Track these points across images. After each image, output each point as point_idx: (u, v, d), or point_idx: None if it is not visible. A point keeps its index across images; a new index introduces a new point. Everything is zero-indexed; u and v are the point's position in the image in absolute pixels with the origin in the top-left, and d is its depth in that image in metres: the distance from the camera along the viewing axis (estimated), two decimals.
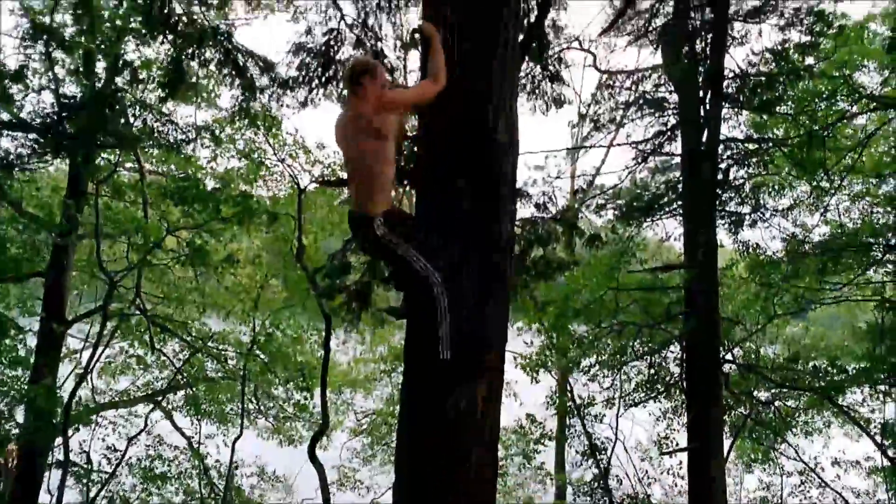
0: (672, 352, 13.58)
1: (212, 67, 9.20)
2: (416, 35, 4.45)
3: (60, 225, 12.29)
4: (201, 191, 11.32)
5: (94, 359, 13.65)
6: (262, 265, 17.04)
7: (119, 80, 11.30)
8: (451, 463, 4.02)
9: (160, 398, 16.48)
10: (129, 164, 14.27)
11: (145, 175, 13.80)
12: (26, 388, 12.28)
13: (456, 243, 4.18)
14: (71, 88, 11.82)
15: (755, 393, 12.94)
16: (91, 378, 14.96)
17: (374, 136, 3.98)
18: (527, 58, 9.69)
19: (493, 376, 4.25)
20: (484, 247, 4.23)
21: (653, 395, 13.75)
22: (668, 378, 13.52)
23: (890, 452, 12.56)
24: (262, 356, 15.82)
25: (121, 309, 14.10)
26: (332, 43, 8.28)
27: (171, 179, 13.43)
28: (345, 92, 4.45)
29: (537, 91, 10.49)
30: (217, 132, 12.76)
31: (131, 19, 9.78)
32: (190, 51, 8.53)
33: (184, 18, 8.47)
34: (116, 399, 16.64)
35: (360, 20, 8.38)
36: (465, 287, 4.12)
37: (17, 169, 11.53)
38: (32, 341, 13.17)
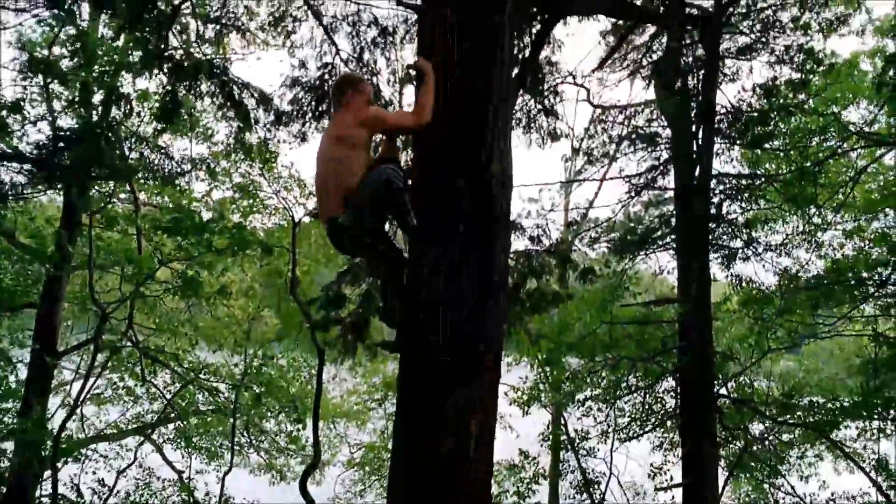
0: (666, 386, 13.54)
1: (207, 100, 9.25)
2: (411, 71, 4.51)
3: (53, 256, 12.27)
4: (195, 223, 11.31)
5: (85, 391, 13.53)
6: (255, 297, 17.01)
7: (115, 112, 11.35)
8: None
9: (150, 431, 16.32)
10: (123, 195, 14.30)
11: (140, 206, 13.82)
12: (16, 420, 12.15)
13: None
14: (67, 120, 11.89)
15: (749, 427, 12.88)
16: (81, 410, 14.82)
17: (343, 145, 4.09)
18: (522, 92, 9.83)
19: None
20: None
21: (647, 429, 13.67)
22: (662, 412, 13.46)
23: (885, 486, 12.49)
24: (254, 388, 15.70)
25: (112, 341, 14.02)
26: (326, 77, 8.36)
27: (165, 211, 13.43)
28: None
29: (533, 125, 10.60)
30: (212, 165, 12.80)
31: (129, 53, 9.85)
32: (185, 83, 8.57)
33: (180, 52, 8.54)
34: (106, 431, 16.47)
35: (355, 55, 8.49)
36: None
37: (11, 199, 11.54)
38: (23, 373, 13.06)
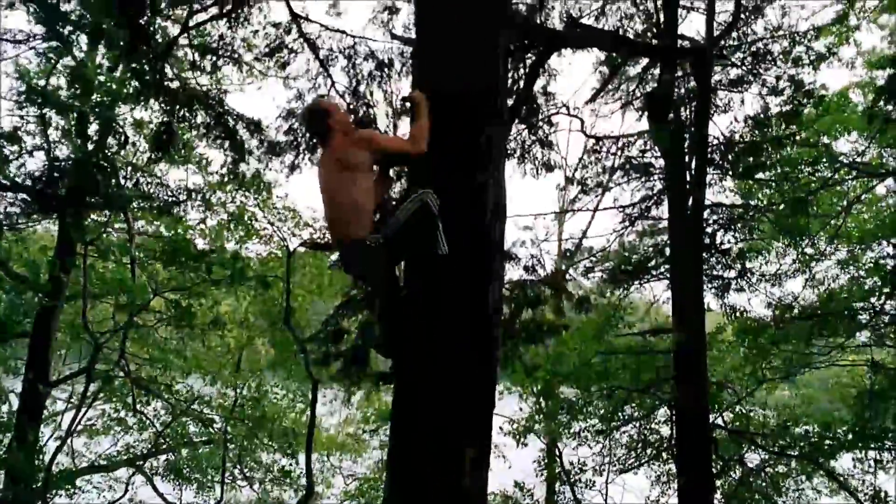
0: (662, 416, 13.49)
1: (202, 130, 9.30)
2: (406, 103, 4.55)
3: (46, 285, 12.23)
4: (190, 252, 11.31)
5: (76, 421, 13.42)
6: (249, 327, 16.93)
7: (111, 142, 11.39)
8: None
9: (142, 462, 16.15)
10: (118, 225, 14.28)
11: (134, 236, 13.80)
12: (7, 451, 12.03)
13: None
14: (63, 150, 11.91)
15: (746, 458, 12.82)
16: (72, 440, 14.67)
17: (346, 168, 4.10)
18: (517, 122, 9.92)
19: (482, 440, 4.24)
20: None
21: (643, 461, 13.59)
22: (658, 443, 13.39)
23: None
24: (246, 420, 15.59)
25: (105, 370, 13.93)
26: None
27: (160, 241, 13.43)
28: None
29: (527, 155, 10.67)
30: (207, 195, 12.82)
31: (126, 84, 9.91)
32: (181, 113, 8.62)
33: (176, 83, 8.60)
34: (98, 462, 16.28)
35: (350, 87, 8.56)
36: (455, 350, 4.14)
37: (6, 229, 11.53)
38: (15, 402, 12.96)
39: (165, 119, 8.83)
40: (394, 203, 4.12)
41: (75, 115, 11.29)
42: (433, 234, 4.13)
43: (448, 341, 4.17)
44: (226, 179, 11.18)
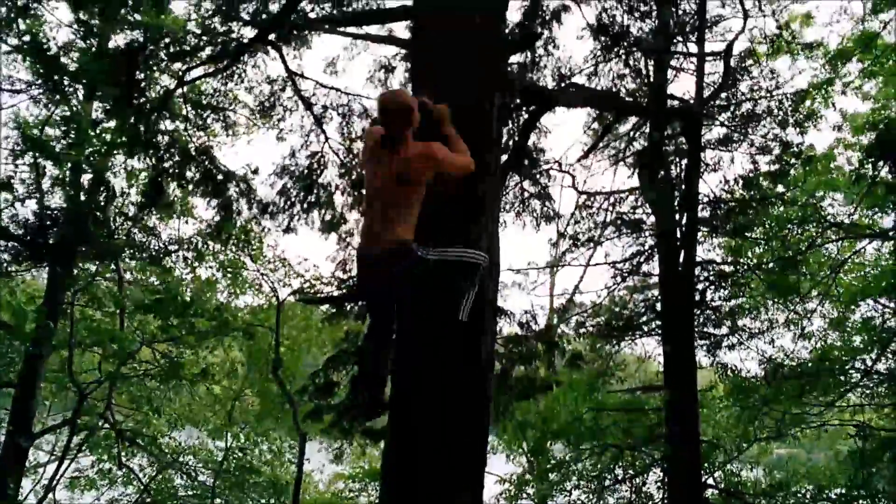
0: (654, 475, 13.33)
1: (192, 186, 9.32)
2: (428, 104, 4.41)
3: (33, 333, 12.11)
4: (179, 303, 11.25)
5: (60, 474, 13.17)
6: (237, 378, 16.77)
7: (102, 193, 11.42)
8: None
9: None
10: (108, 274, 14.23)
11: (124, 285, 13.74)
12: None
13: (439, 360, 4.18)
14: (55, 199, 11.94)
15: None
16: (54, 494, 14.36)
17: (415, 182, 3.87)
18: (510, 176, 10.00)
19: (474, 491, 4.22)
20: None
21: None
22: (649, 503, 13.21)
23: None
24: (233, 473, 15.33)
25: (90, 422, 13.72)
26: (315, 166, 8.47)
27: (149, 292, 13.35)
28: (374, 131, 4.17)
29: (524, 208, 10.73)
30: (198, 245, 12.81)
31: (120, 135, 9.98)
32: (170, 170, 8.67)
33: (167, 137, 8.66)
34: None
35: (345, 144, 8.63)
36: (447, 406, 4.13)
37: None
38: None
39: (155, 174, 8.85)
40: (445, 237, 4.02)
41: (69, 164, 11.35)
42: (466, 295, 4.07)
43: (440, 394, 4.15)
44: (214, 236, 11.15)
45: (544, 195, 10.49)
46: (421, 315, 4.30)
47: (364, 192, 4.05)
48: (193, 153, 8.80)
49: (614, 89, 11.01)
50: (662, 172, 11.72)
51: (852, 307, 13.38)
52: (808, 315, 12.83)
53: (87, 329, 13.43)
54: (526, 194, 10.51)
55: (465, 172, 4.05)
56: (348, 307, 9.30)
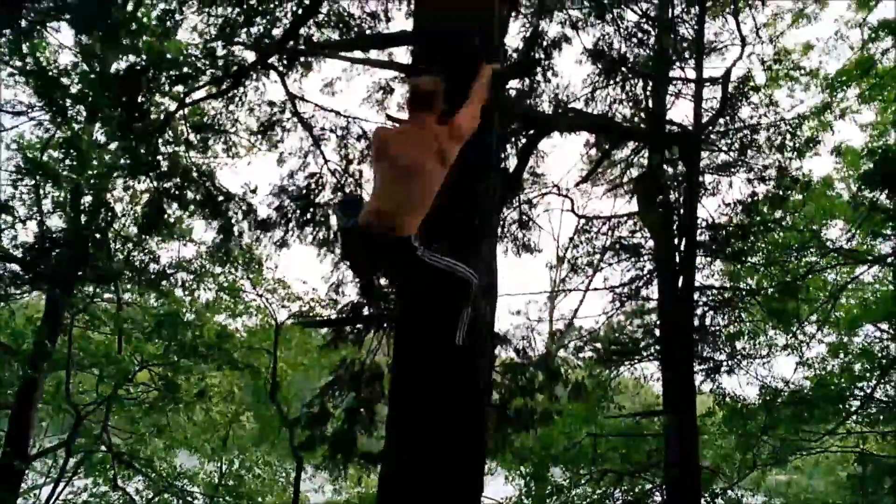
0: (653, 500, 13.23)
1: (192, 208, 9.35)
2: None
3: (32, 352, 12.08)
4: (177, 327, 11.24)
5: (55, 497, 13.07)
6: (235, 402, 16.68)
7: (102, 215, 11.44)
8: None
9: None
10: (107, 295, 14.21)
11: (123, 307, 13.72)
12: None
13: (436, 385, 4.17)
14: (56, 220, 11.97)
15: None
16: None
17: (440, 162, 3.84)
18: (508, 201, 10.03)
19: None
20: (467, 360, 4.23)
21: None
22: None
23: None
24: (230, 497, 15.22)
25: (85, 444, 13.65)
26: (313, 186, 8.52)
27: (148, 314, 13.34)
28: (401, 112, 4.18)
29: (519, 236, 10.76)
30: (197, 267, 12.80)
31: (121, 157, 10.03)
32: (171, 192, 8.70)
33: (168, 160, 8.70)
34: None
35: (342, 166, 8.68)
36: (444, 428, 4.11)
37: None
38: None
39: (155, 196, 8.88)
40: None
41: (70, 187, 11.38)
42: (460, 317, 4.04)
43: (436, 419, 4.13)
44: (214, 257, 11.15)
45: (525, 224, 10.51)
46: (418, 339, 4.30)
47: (374, 185, 3.98)
48: (194, 175, 8.83)
49: (612, 114, 11.07)
50: (661, 197, 11.75)
51: (853, 333, 13.36)
52: (808, 341, 12.81)
53: (84, 351, 13.40)
54: (524, 219, 10.55)
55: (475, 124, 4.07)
56: (346, 331, 9.27)
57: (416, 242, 3.80)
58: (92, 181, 11.02)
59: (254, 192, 9.57)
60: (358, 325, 9.07)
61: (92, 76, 9.92)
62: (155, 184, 8.95)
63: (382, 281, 7.30)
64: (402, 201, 3.79)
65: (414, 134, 3.91)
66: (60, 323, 12.80)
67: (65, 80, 10.29)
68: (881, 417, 12.80)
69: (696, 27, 10.86)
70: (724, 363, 12.04)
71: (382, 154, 3.96)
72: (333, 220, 8.36)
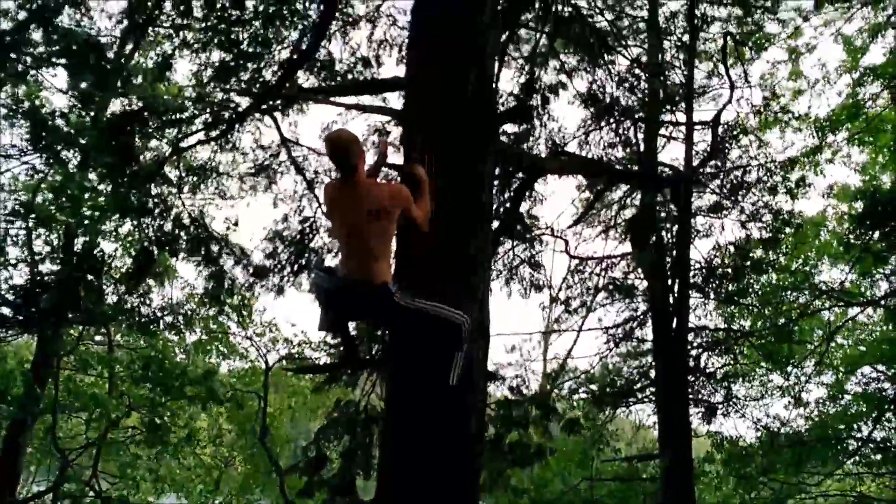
0: None
1: (184, 254, 9.32)
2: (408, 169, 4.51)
3: (22, 398, 11.92)
4: (166, 370, 11.13)
5: None
6: (224, 445, 16.48)
7: (94, 258, 11.38)
8: None
9: None
10: (98, 337, 14.09)
11: (114, 349, 13.60)
12: None
13: (428, 427, 4.14)
14: (46, 264, 11.89)
15: None
16: None
17: (384, 219, 3.93)
18: (502, 241, 10.02)
19: None
20: (459, 399, 4.21)
21: None
22: None
23: None
24: None
25: (73, 489, 13.41)
26: (306, 231, 8.52)
27: (137, 357, 13.20)
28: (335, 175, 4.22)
29: (514, 276, 10.72)
30: (187, 313, 12.70)
31: (111, 202, 10.02)
32: (162, 237, 8.68)
33: (159, 204, 8.69)
34: None
35: None
36: (437, 469, 4.08)
37: None
38: None
39: (145, 242, 8.86)
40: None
41: (61, 230, 11.34)
42: (452, 359, 4.06)
43: (429, 461, 4.10)
44: (205, 303, 11.09)
45: (535, 263, 10.49)
46: (410, 382, 4.26)
47: (336, 239, 4.09)
48: (186, 220, 8.82)
49: (605, 157, 11.13)
50: (654, 238, 11.78)
51: (850, 374, 13.31)
52: (804, 382, 12.76)
53: (73, 394, 13.24)
54: (517, 260, 10.52)
55: (423, 220, 4.15)
56: (340, 373, 9.18)
57: (394, 289, 3.95)
58: (83, 224, 10.99)
59: (235, 224, 9.57)
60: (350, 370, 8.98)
61: (86, 120, 9.96)
62: (145, 228, 8.92)
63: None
64: (363, 252, 3.96)
65: (347, 193, 4.02)
66: (51, 366, 12.67)
67: (59, 122, 10.33)
68: (879, 458, 12.70)
69: (685, 72, 10.99)
70: (720, 405, 11.96)
71: (331, 211, 4.16)
72: (309, 283, 8.38)
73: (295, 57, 8.24)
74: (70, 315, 10.81)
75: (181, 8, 8.09)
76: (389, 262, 4.05)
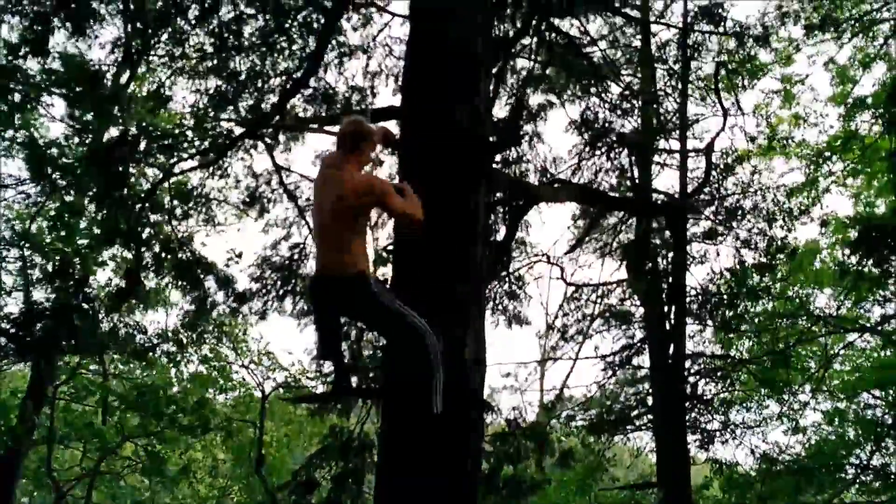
0: None
1: (171, 278, 9.32)
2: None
3: (17, 429, 11.84)
4: (161, 400, 11.08)
5: None
6: (220, 475, 16.34)
7: (89, 286, 11.38)
8: None
9: None
10: (93, 366, 14.03)
11: (109, 378, 13.53)
12: None
13: (424, 461, 4.12)
14: (41, 293, 11.89)
15: None
16: None
17: (350, 209, 3.85)
18: (497, 270, 10.02)
19: None
20: (456, 433, 4.20)
21: None
22: None
23: None
24: None
25: None
26: (296, 257, 8.55)
27: (131, 387, 13.14)
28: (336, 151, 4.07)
29: (507, 305, 10.71)
30: (181, 339, 12.66)
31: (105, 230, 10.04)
32: (149, 262, 8.69)
33: (148, 229, 8.71)
34: None
35: None
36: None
37: None
38: None
39: (132, 266, 8.87)
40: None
41: (56, 258, 11.34)
42: (431, 383, 3.96)
43: (425, 496, 4.07)
44: (189, 327, 11.08)
45: (515, 294, 10.48)
46: (404, 412, 4.24)
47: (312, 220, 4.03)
48: (174, 245, 8.83)
49: (598, 184, 11.17)
50: (649, 264, 11.77)
51: (848, 399, 13.26)
52: (802, 409, 12.70)
53: (68, 423, 13.16)
54: (512, 289, 10.52)
55: (410, 220, 4.06)
56: (332, 403, 9.16)
57: (373, 281, 3.88)
58: (79, 253, 11.00)
59: (239, 256, 9.59)
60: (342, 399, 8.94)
61: (82, 148, 10.02)
62: (134, 253, 8.93)
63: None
64: (333, 241, 3.91)
65: (329, 177, 3.98)
66: (44, 395, 12.60)
67: (54, 151, 10.40)
68: (877, 485, 12.61)
69: (679, 100, 11.07)
70: (718, 433, 11.89)
71: (314, 192, 4.12)
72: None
73: (289, 86, 8.30)
74: (64, 343, 10.77)
75: (177, 36, 8.16)
76: (364, 254, 3.93)
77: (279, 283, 8.62)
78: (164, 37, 8.60)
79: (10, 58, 9.44)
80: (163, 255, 8.66)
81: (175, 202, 9.34)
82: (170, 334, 12.09)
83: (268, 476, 13.08)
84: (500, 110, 8.93)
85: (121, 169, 7.88)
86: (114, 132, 10.67)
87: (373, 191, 3.87)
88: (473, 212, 4.82)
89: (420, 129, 5.03)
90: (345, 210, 3.83)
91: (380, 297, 3.89)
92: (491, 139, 5.90)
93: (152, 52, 9.49)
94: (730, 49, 10.93)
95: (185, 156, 8.69)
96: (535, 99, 9.54)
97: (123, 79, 11.26)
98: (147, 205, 8.53)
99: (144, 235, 8.69)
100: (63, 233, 10.73)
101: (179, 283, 9.12)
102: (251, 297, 8.71)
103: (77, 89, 9.43)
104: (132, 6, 8.19)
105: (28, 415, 11.91)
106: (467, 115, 5.00)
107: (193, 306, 9.26)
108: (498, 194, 7.87)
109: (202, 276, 8.97)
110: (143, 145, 8.37)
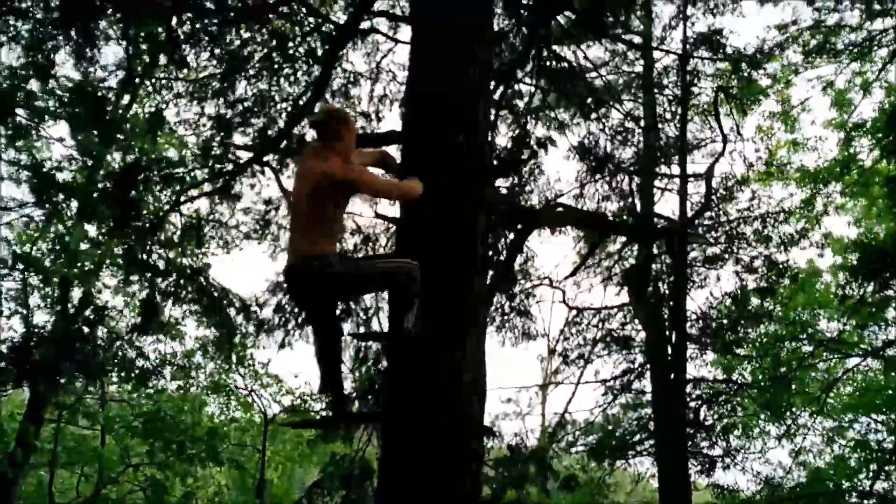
0: None
1: (189, 307, 9.33)
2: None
3: (13, 450, 11.76)
4: (167, 426, 11.03)
5: None
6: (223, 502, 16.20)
7: (90, 311, 11.36)
8: None
9: None
10: (92, 390, 13.94)
11: (107, 403, 13.45)
12: None
13: (424, 487, 4.11)
14: (41, 316, 11.87)
15: None
16: None
17: (329, 198, 3.85)
18: (497, 294, 10.02)
19: None
20: (455, 457, 4.20)
21: None
22: None
23: None
24: None
25: None
26: None
27: (135, 410, 13.06)
28: (313, 136, 4.13)
29: (507, 325, 10.70)
30: (186, 364, 12.64)
31: (109, 256, 10.06)
32: (165, 290, 8.70)
33: (161, 258, 8.73)
34: None
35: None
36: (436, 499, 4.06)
37: None
38: None
39: (149, 296, 8.87)
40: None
41: (58, 282, 11.33)
42: (410, 301, 4.03)
43: None
44: (213, 355, 11.07)
45: (525, 312, 10.48)
46: (406, 439, 4.24)
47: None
48: (188, 272, 8.84)
49: (600, 209, 11.20)
50: (651, 289, 11.78)
51: (848, 422, 13.23)
52: (804, 433, 12.66)
53: (66, 448, 13.07)
54: (508, 313, 10.51)
55: (405, 199, 4.19)
56: (333, 429, 9.13)
57: (332, 258, 3.84)
58: (80, 277, 10.99)
59: (247, 307, 9.60)
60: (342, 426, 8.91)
61: (85, 171, 10.05)
62: (148, 282, 8.94)
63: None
64: (300, 227, 3.96)
65: (306, 165, 4.01)
66: (42, 419, 12.51)
67: (58, 175, 10.42)
68: None
69: (679, 126, 11.15)
70: (720, 459, 11.83)
71: (296, 176, 4.13)
72: None
73: (295, 111, 8.36)
74: (65, 369, 10.73)
75: (179, 59, 8.20)
76: (330, 237, 3.90)
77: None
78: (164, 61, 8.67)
79: (15, 82, 9.48)
80: (179, 283, 8.66)
81: (184, 231, 9.32)
82: (171, 359, 12.07)
83: (271, 501, 12.98)
84: (502, 138, 8.98)
85: (132, 197, 7.88)
86: (116, 156, 10.78)
87: (347, 175, 3.84)
88: (472, 237, 4.84)
89: (420, 154, 5.06)
90: (317, 196, 3.84)
91: (341, 269, 3.87)
92: (493, 163, 5.94)
93: (154, 79, 9.55)
94: (728, 74, 11.03)
95: (192, 182, 8.75)
96: (539, 130, 9.62)
97: (125, 101, 11.32)
98: (158, 234, 8.54)
99: (159, 263, 8.69)
100: (63, 257, 10.73)
101: (198, 311, 9.13)
102: (272, 329, 8.70)
103: (81, 113, 9.46)
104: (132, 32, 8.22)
105: (27, 438, 11.83)
106: (467, 142, 5.03)
107: (215, 334, 9.24)
108: (500, 217, 7.93)
109: (220, 302, 8.97)
110: (152, 173, 8.39)
